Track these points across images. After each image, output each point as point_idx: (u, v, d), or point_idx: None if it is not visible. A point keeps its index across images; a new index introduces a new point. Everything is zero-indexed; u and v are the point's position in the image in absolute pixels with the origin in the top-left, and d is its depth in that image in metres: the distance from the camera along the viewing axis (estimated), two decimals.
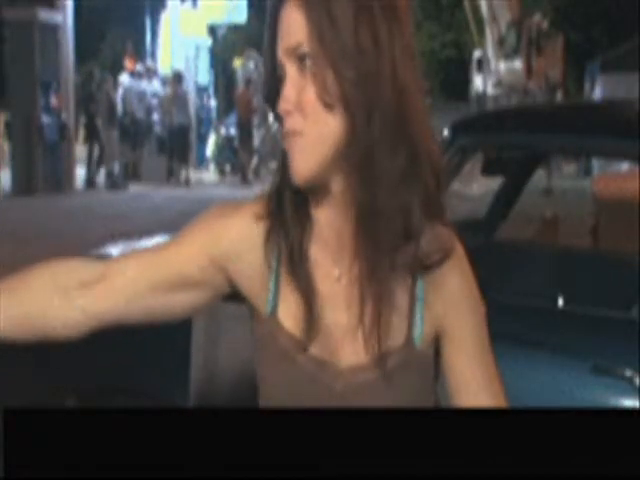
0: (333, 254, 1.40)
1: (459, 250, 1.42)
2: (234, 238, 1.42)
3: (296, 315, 1.40)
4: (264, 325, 1.43)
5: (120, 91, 17.58)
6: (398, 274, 1.37)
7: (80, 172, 16.48)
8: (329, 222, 1.40)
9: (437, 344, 1.43)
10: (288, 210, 1.40)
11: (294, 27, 1.34)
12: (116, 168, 16.79)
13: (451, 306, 1.41)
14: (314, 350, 1.40)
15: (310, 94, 1.33)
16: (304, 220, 1.40)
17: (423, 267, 1.38)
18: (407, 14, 1.37)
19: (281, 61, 1.35)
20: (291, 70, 1.34)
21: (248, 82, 19.23)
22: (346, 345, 1.40)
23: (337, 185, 1.37)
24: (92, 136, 16.84)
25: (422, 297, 1.39)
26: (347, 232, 1.38)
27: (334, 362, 1.40)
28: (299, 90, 1.34)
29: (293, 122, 1.34)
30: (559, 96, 21.87)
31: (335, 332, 1.40)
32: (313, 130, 1.33)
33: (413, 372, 1.39)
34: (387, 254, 1.35)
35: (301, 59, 1.34)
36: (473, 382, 1.43)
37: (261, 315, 1.43)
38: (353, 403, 1.38)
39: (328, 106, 1.32)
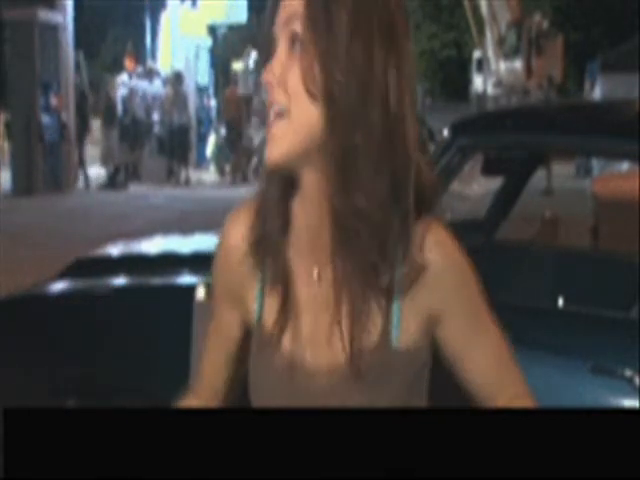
0: (311, 256, 1.40)
1: (441, 235, 1.39)
2: (237, 273, 1.46)
3: (276, 319, 1.42)
4: (254, 333, 1.46)
5: (122, 91, 17.57)
6: (374, 274, 1.36)
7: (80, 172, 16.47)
8: (307, 223, 1.39)
9: (433, 338, 1.42)
10: (271, 214, 1.40)
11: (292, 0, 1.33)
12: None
13: (438, 291, 1.38)
14: (292, 351, 1.42)
15: (296, 76, 1.32)
16: (285, 223, 1.40)
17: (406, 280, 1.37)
18: (407, 55, 1.36)
19: (275, 31, 1.35)
20: (282, 44, 1.34)
21: (237, 82, 19.20)
22: (323, 345, 1.41)
23: (312, 183, 1.37)
24: (83, 136, 16.86)
25: (400, 295, 1.38)
26: (323, 233, 1.38)
27: (311, 362, 1.41)
28: (285, 67, 1.33)
29: (276, 97, 1.33)
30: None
31: (313, 333, 1.41)
32: (295, 112, 1.32)
33: (391, 372, 1.39)
34: (361, 260, 1.35)
35: (293, 37, 1.33)
36: (472, 350, 1.41)
37: (252, 325, 1.47)
38: (329, 402, 1.39)
39: (312, 95, 1.31)
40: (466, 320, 1.41)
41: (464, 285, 1.41)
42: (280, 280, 1.41)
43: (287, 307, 1.41)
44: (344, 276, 1.37)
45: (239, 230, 1.44)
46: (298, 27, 1.31)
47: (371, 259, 1.35)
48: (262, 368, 1.44)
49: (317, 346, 1.41)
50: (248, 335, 1.49)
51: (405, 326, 1.39)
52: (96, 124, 18.61)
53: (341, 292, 1.38)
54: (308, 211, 1.38)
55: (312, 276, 1.41)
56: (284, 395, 1.42)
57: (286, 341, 1.42)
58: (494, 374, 1.43)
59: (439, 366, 1.47)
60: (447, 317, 1.40)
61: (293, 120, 1.32)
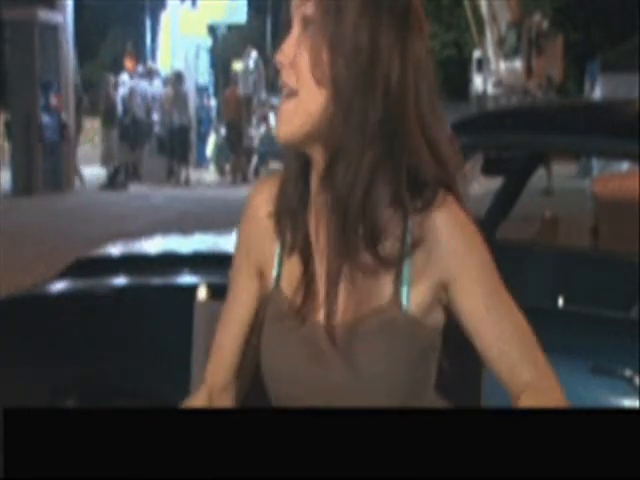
0: (321, 225, 1.45)
1: (452, 208, 1.43)
2: (259, 240, 1.51)
3: (293, 283, 1.47)
4: (269, 298, 1.50)
5: (122, 91, 17.56)
6: (382, 244, 1.40)
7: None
8: (316, 198, 1.44)
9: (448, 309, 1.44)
10: (290, 187, 1.46)
11: None
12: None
13: (446, 258, 1.41)
14: (306, 315, 1.45)
15: (305, 60, 1.36)
16: (304, 197, 1.46)
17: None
18: (420, 40, 1.40)
19: (292, 12, 1.39)
20: (296, 26, 1.38)
21: (237, 82, 19.18)
22: (333, 306, 1.44)
23: (317, 163, 1.42)
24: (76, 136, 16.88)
25: (410, 260, 1.41)
26: (325, 209, 1.43)
27: (323, 325, 1.44)
28: (296, 49, 1.37)
29: (287, 78, 1.38)
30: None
31: (322, 294, 1.45)
32: (303, 94, 1.37)
33: (397, 336, 1.41)
34: (352, 241, 1.39)
35: (305, 20, 1.37)
36: (487, 315, 1.42)
37: (269, 291, 1.51)
38: (335, 360, 1.42)
39: (318, 80, 1.36)
40: (478, 290, 1.43)
41: (473, 254, 1.43)
42: (298, 247, 1.46)
43: (304, 274, 1.46)
44: (332, 248, 1.42)
45: (263, 198, 1.50)
46: (310, 10, 1.36)
47: (358, 236, 1.39)
48: (275, 333, 1.47)
49: (328, 307, 1.44)
50: (262, 312, 1.52)
51: (416, 290, 1.42)
52: (96, 124, 18.58)
53: (335, 262, 1.42)
54: (316, 187, 1.44)
55: (322, 243, 1.45)
56: (295, 359, 1.45)
57: (301, 307, 1.45)
58: (508, 351, 1.43)
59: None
60: (458, 285, 1.42)
61: (301, 102, 1.37)
